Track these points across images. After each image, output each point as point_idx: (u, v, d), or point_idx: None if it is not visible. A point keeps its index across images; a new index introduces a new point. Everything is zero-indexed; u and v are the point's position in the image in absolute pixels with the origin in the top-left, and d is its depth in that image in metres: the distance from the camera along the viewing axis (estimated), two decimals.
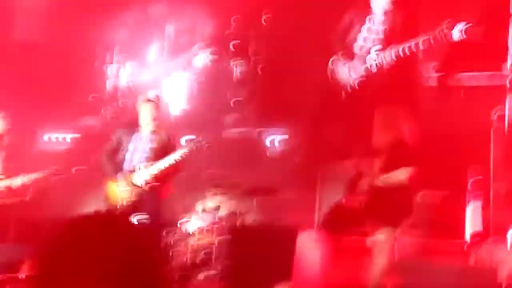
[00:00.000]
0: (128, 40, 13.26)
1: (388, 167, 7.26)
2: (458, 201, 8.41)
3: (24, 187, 9.11)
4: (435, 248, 8.24)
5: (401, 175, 7.15)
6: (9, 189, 8.69)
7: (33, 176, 8.58)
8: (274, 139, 11.89)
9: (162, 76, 12.79)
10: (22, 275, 7.13)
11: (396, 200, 7.31)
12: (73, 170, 9.02)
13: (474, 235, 8.33)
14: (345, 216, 7.37)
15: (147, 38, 13.17)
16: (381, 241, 7.25)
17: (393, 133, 7.38)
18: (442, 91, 9.77)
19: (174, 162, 8.04)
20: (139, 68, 13.23)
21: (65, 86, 12.57)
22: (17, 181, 8.59)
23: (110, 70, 13.40)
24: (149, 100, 8.30)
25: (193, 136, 8.76)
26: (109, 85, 13.42)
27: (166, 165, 8.02)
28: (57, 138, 12.35)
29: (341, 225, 7.39)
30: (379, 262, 7.22)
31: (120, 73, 13.36)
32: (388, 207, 7.30)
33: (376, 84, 9.63)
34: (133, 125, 8.30)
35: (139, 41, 13.23)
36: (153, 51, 13.14)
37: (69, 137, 12.82)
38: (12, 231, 9.34)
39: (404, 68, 9.53)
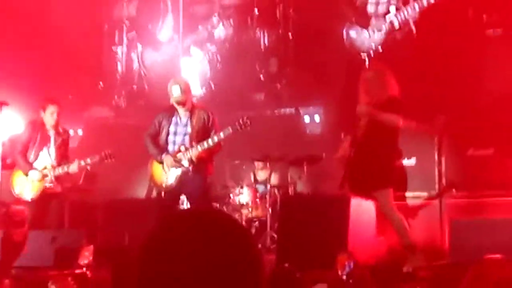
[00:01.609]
0: (138, 16, 12.55)
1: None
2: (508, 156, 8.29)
3: (76, 174, 9.22)
4: (488, 205, 8.16)
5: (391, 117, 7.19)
6: (66, 174, 8.82)
7: (89, 160, 8.69)
8: (313, 116, 11.68)
9: (179, 54, 12.25)
10: (83, 261, 7.24)
11: (378, 162, 7.32)
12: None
13: None
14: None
15: (158, 13, 12.43)
16: (381, 204, 7.26)
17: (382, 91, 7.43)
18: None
19: (216, 141, 8.08)
20: (152, 47, 12.62)
21: (72, 74, 12.22)
22: (73, 166, 8.71)
23: (120, 51, 12.78)
24: (176, 82, 8.30)
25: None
26: (120, 68, 12.75)
27: (209, 144, 8.05)
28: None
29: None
30: (394, 225, 7.23)
31: (132, 55, 12.78)
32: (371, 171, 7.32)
33: (406, 42, 9.44)
34: (172, 108, 8.35)
35: (150, 17, 12.52)
36: (167, 26, 12.45)
37: (79, 131, 12.36)
38: (67, 216, 9.48)
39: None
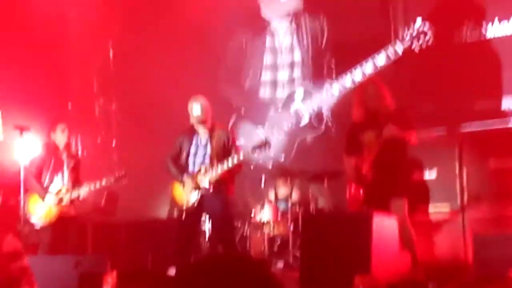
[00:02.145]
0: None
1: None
2: None
3: (97, 195, 9.25)
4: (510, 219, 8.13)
5: (387, 132, 7.24)
6: (77, 199, 8.82)
7: (98, 183, 8.70)
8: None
9: None
10: (107, 287, 7.23)
11: (394, 175, 7.39)
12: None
13: None
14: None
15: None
16: (396, 214, 7.29)
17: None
18: None
19: (236, 163, 8.13)
20: None
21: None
22: (84, 190, 8.73)
23: None
24: (197, 101, 8.35)
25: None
26: None
27: (228, 166, 8.09)
28: None
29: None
30: (404, 235, 7.26)
31: None
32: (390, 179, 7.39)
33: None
34: (192, 129, 8.41)
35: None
36: None
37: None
38: (90, 240, 9.51)
39: None
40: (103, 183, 8.74)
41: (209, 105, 8.48)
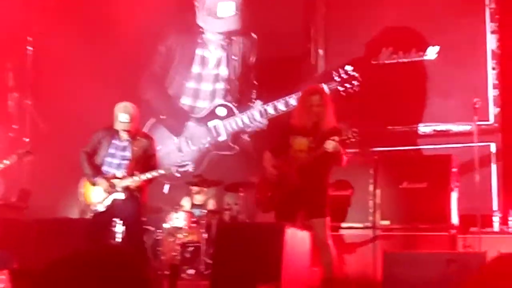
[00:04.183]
0: None
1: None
2: (441, 190, 8.48)
3: (8, 191, 9.06)
4: (421, 239, 8.32)
5: (329, 145, 7.23)
6: None
7: (6, 161, 8.53)
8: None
9: None
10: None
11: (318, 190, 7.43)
12: None
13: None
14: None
15: None
16: (317, 233, 7.36)
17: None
18: None
19: (154, 176, 8.08)
20: None
21: None
22: None
23: None
24: (126, 110, 8.13)
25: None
26: None
27: (147, 177, 8.02)
28: None
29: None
30: (324, 255, 7.35)
31: None
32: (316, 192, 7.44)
33: None
34: (113, 128, 8.21)
35: None
36: None
37: None
38: None
39: None
40: (7, 162, 8.55)
41: (137, 113, 8.31)
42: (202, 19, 12.29)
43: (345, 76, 10.07)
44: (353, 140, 7.25)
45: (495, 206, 9.60)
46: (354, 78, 9.99)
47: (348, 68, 10.03)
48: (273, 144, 7.92)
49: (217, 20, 12.18)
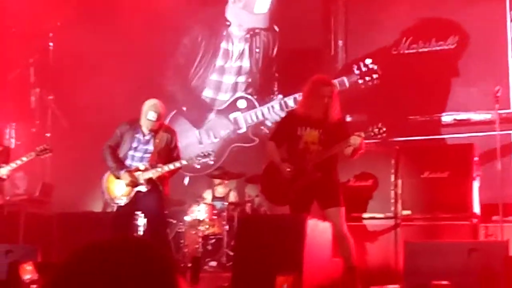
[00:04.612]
0: None
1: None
2: (463, 179, 8.45)
3: (32, 185, 9.13)
4: (443, 228, 8.30)
5: (356, 140, 7.20)
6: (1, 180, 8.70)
7: (24, 158, 8.58)
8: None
9: None
10: (26, 276, 7.13)
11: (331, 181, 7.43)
12: None
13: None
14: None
15: None
16: (333, 223, 7.35)
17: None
18: None
19: (176, 167, 8.10)
20: None
21: None
22: (3, 171, 8.59)
23: None
24: (155, 108, 8.15)
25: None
26: None
27: (169, 168, 8.04)
28: None
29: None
30: (342, 244, 7.33)
31: None
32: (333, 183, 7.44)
33: None
34: (136, 122, 8.24)
35: None
36: None
37: None
38: (22, 229, 9.39)
39: None
40: (25, 158, 8.63)
41: (165, 111, 8.36)
42: (234, 12, 12.30)
43: (364, 69, 10.06)
44: (380, 136, 7.27)
45: None
46: (373, 71, 9.97)
47: (368, 61, 10.01)
48: (276, 133, 7.90)
49: (251, 15, 12.19)
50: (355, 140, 7.18)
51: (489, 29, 10.30)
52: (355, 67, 10.24)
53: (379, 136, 7.29)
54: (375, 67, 9.99)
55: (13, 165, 8.62)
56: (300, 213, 7.36)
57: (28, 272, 7.12)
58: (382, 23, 10.92)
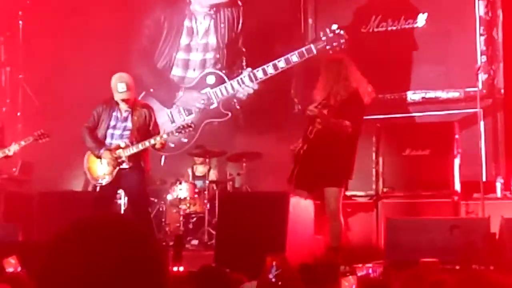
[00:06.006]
0: None
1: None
2: (444, 157, 8.49)
3: (11, 164, 9.06)
4: (424, 206, 8.35)
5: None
6: (6, 158, 8.65)
7: (23, 142, 8.54)
8: None
9: None
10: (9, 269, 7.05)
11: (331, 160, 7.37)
12: None
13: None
14: None
15: None
16: (328, 202, 7.32)
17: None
18: None
19: (156, 142, 8.05)
20: None
21: None
22: (14, 147, 8.54)
23: None
24: (122, 79, 8.12)
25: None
26: None
27: (150, 143, 8.00)
28: None
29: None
30: (332, 226, 7.31)
31: None
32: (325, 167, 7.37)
33: None
34: (112, 101, 8.20)
35: None
36: None
37: None
38: (2, 208, 9.34)
39: None
40: (23, 142, 8.58)
41: (133, 82, 8.33)
42: None
43: (331, 35, 9.98)
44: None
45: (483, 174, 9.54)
46: (341, 36, 9.88)
47: (334, 27, 9.93)
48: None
49: None
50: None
51: (457, 8, 10.31)
52: (322, 33, 10.18)
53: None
54: (342, 32, 9.89)
55: (17, 145, 8.57)
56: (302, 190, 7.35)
57: (11, 265, 7.04)
58: (352, 2, 10.92)
